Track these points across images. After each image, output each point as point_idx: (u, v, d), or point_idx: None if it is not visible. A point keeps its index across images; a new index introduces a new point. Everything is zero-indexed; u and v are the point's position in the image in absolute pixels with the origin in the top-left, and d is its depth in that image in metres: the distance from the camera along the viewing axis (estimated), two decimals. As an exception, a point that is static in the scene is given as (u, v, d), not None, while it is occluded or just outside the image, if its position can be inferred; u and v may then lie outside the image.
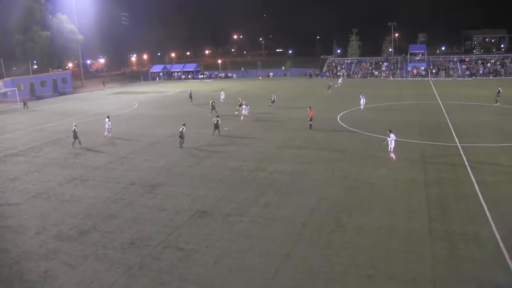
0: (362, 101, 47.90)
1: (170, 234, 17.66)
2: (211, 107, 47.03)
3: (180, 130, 32.56)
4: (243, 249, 16.15)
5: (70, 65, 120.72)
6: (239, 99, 49.07)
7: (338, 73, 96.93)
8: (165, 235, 17.54)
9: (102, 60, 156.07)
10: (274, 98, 51.66)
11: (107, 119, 37.51)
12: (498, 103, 46.91)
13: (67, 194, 23.05)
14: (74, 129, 33.79)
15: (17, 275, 14.95)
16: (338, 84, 75.63)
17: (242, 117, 42.48)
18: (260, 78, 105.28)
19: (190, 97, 59.43)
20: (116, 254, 16.13)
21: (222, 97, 59.03)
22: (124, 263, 15.41)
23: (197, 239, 17.12)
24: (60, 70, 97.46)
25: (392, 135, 26.83)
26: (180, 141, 32.60)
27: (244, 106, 44.29)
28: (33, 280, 14.49)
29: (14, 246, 17.11)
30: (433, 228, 17.14)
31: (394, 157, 26.75)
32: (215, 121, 35.65)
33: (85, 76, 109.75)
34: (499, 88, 48.03)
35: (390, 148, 26.90)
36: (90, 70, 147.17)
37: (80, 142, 33.72)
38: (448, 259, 14.78)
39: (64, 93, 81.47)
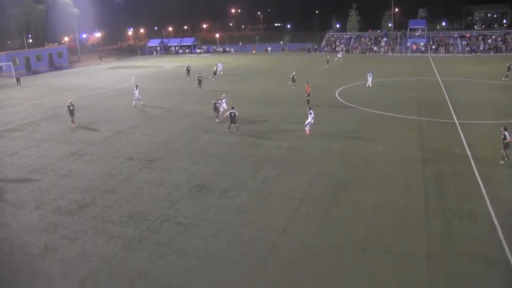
0: (370, 78, 45.77)
1: (169, 208, 17.83)
2: (198, 81, 46.70)
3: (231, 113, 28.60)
4: (241, 223, 16.34)
5: (66, 39, 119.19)
6: (199, 75, 47.55)
7: (337, 48, 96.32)
8: (164, 209, 17.70)
9: (98, 34, 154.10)
10: (294, 76, 46.73)
11: (135, 89, 38.83)
12: (507, 78, 47.30)
13: (66, 169, 23.13)
14: (69, 107, 32.22)
15: (19, 248, 15.14)
16: (341, 59, 75.63)
17: (218, 119, 31.73)
18: (254, 52, 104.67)
19: (188, 72, 58.14)
20: (115, 228, 16.30)
21: (220, 68, 58.77)
22: (123, 236, 15.60)
23: (195, 213, 17.29)
24: (56, 44, 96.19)
25: (311, 111, 27.99)
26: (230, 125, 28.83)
27: (222, 100, 33.19)
28: (34, 253, 14.68)
29: (14, 220, 17.27)
30: (429, 204, 17.33)
31: (308, 131, 27.92)
32: (232, 114, 28.45)
33: (82, 50, 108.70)
34: (510, 65, 48.43)
35: (308, 123, 27.89)
36: (86, 44, 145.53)
37: (73, 121, 32.37)
38: (443, 235, 14.98)
39: (60, 68, 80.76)
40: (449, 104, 35.58)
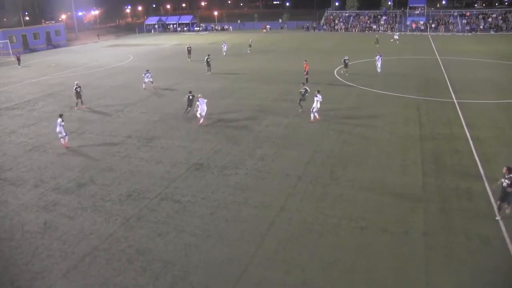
0: (379, 63, 40.83)
1: (167, 186, 17.90)
2: (206, 63, 43.88)
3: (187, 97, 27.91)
4: (239, 201, 16.43)
5: (63, 17, 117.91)
6: (208, 56, 44.25)
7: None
8: (162, 188, 17.78)
9: (94, 12, 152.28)
10: (346, 61, 40.21)
11: (146, 73, 37.09)
12: None
13: (64, 148, 23.13)
14: (76, 89, 30.75)
15: (18, 225, 15.24)
16: (397, 41, 67.56)
17: (201, 120, 26.41)
18: (264, 31, 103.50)
19: (189, 52, 54.57)
20: (114, 206, 16.40)
21: (224, 49, 57.30)
22: (122, 214, 15.70)
23: (194, 191, 17.38)
24: (53, 22, 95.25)
25: (319, 96, 25.64)
26: (187, 109, 28.18)
27: (199, 100, 26.28)
28: (33, 231, 14.79)
29: (13, 198, 17.35)
30: (427, 182, 17.41)
31: (312, 119, 25.82)
32: (190, 97, 27.44)
33: (79, 28, 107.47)
34: None
35: (313, 108, 25.70)
36: (84, 22, 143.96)
37: (82, 102, 31.30)
38: (440, 213, 15.08)
39: (58, 46, 79.98)
40: (448, 83, 35.45)
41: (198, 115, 26.33)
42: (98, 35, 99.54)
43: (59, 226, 15.03)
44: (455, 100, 29.77)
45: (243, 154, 21.18)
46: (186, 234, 14.27)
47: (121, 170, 19.78)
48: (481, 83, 35.48)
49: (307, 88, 27.84)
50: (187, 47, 55.66)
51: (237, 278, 12.02)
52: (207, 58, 44.07)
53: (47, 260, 13.06)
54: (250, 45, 62.06)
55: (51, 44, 79.58)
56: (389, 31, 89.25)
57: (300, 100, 27.82)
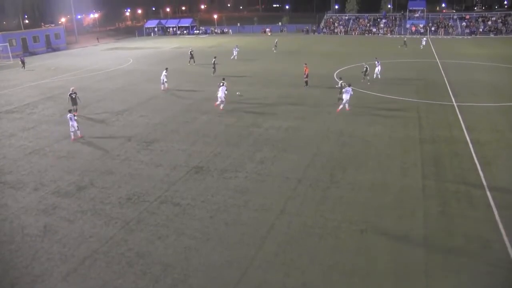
0: (378, 68, 39.25)
1: (167, 189, 17.90)
2: (213, 66, 44.02)
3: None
4: (238, 204, 16.43)
5: (63, 20, 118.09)
6: (214, 59, 45.09)
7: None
8: (162, 191, 17.77)
9: (93, 15, 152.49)
10: (366, 68, 38.00)
11: (164, 71, 37.51)
12: None
13: (64, 151, 23.13)
14: (71, 95, 29.63)
15: (18, 229, 15.22)
16: (422, 46, 64.39)
17: (220, 106, 29.97)
18: (269, 34, 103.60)
19: (192, 57, 52.90)
20: (114, 209, 16.38)
21: (235, 53, 56.97)
22: (122, 218, 15.68)
23: (193, 194, 17.37)
24: (53, 25, 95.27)
25: (349, 89, 27.97)
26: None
27: (221, 87, 30.06)
28: (33, 234, 14.77)
29: (13, 201, 17.33)
30: (426, 185, 17.41)
31: (339, 109, 28.35)
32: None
33: (79, 31, 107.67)
34: None
35: (344, 100, 27.90)
36: (83, 25, 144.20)
37: (76, 110, 29.23)
38: (440, 216, 15.08)
39: (57, 49, 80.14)
40: (448, 86, 35.50)
41: (219, 99, 29.65)
42: (97, 38, 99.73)
43: (59, 229, 15.01)
44: (454, 103, 29.81)
45: (242, 157, 21.18)
46: (186, 237, 14.26)
47: (121, 173, 19.78)
48: (481, 86, 35.53)
49: (344, 83, 29.77)
50: (190, 51, 53.96)
51: (237, 281, 12.01)
52: (214, 61, 44.54)
53: (47, 263, 13.05)
54: (275, 45, 65.91)
55: (50, 47, 79.73)
56: (388, 34, 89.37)
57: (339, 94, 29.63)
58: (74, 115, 24.88)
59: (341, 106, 28.33)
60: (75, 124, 24.58)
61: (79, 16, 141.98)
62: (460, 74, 41.10)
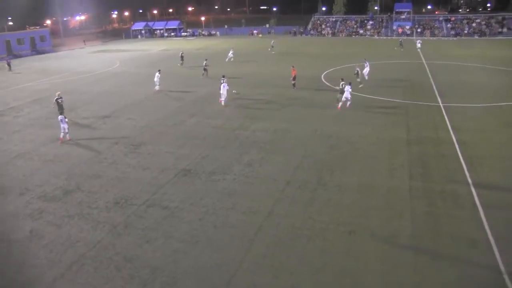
0: (366, 69, 39.51)
1: (155, 192, 17.80)
2: (204, 69, 43.67)
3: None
4: (227, 206, 16.39)
5: (48, 22, 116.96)
6: (206, 62, 45.87)
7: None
8: (150, 194, 17.67)
9: (79, 18, 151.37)
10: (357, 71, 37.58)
11: (157, 73, 37.46)
12: None
13: (50, 154, 22.90)
14: (57, 100, 28.77)
15: (4, 234, 15.03)
16: (419, 49, 62.43)
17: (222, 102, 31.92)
18: (260, 36, 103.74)
19: (182, 59, 53.94)
20: (101, 213, 16.24)
21: (230, 55, 56.69)
22: (109, 222, 15.55)
23: (182, 197, 17.30)
24: (38, 27, 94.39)
25: (348, 87, 29.20)
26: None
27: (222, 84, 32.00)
28: (19, 239, 14.59)
29: (-2, 206, 17.12)
30: (413, 186, 17.54)
31: (339, 106, 29.59)
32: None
33: (65, 34, 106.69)
34: None
35: (346, 98, 29.16)
36: (70, 27, 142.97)
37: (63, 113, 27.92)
38: (427, 216, 15.20)
39: (43, 52, 79.22)
40: (434, 87, 35.84)
41: (222, 96, 31.64)
42: (84, 41, 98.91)
43: (46, 234, 14.83)
44: (441, 104, 30.10)
45: (230, 160, 21.15)
46: (174, 240, 14.19)
47: (108, 177, 19.62)
48: (467, 87, 35.93)
49: (344, 83, 30.08)
50: (181, 54, 54.83)
51: (226, 283, 11.98)
52: (205, 63, 44.11)
53: (34, 269, 12.89)
54: (272, 46, 67.75)
55: (35, 50, 78.84)
56: (375, 36, 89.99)
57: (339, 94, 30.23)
58: (65, 117, 24.68)
59: (340, 103, 29.49)
60: (66, 126, 24.49)
61: (65, 18, 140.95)
62: (446, 75, 41.51)
